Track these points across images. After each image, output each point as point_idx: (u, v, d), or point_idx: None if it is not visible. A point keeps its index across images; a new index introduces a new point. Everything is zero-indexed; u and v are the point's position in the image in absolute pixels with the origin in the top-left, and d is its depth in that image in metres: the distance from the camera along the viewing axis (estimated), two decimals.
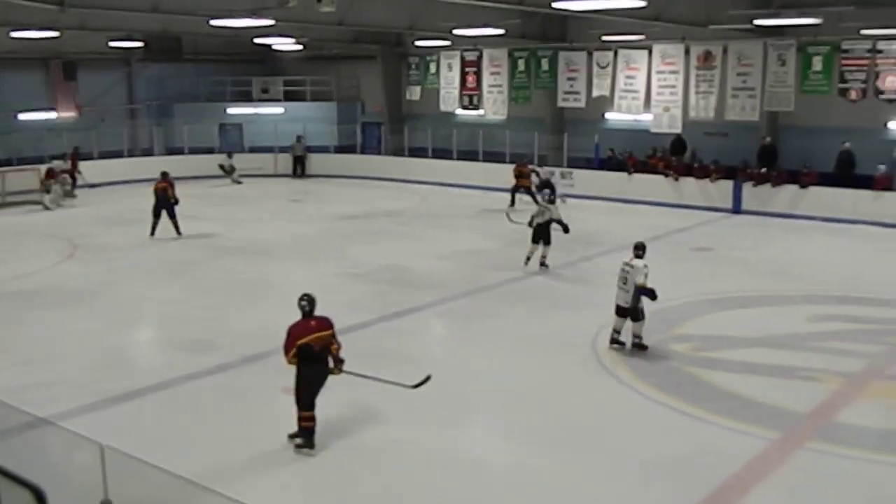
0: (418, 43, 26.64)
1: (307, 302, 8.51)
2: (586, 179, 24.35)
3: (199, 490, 4.62)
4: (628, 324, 11.04)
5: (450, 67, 27.41)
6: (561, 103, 25.38)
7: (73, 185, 24.71)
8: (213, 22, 17.27)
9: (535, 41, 25.06)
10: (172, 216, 18.70)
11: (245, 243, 18.42)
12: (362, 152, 30.18)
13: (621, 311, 10.99)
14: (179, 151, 28.90)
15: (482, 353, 11.29)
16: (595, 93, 24.28)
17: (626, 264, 10.86)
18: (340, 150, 30.04)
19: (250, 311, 13.21)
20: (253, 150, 29.49)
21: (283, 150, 28.73)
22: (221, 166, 27.25)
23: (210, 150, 29.04)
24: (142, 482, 5.17)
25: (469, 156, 27.02)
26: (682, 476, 7.83)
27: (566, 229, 15.79)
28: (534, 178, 22.94)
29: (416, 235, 19.46)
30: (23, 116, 26.91)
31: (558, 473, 7.91)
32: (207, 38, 27.95)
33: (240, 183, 26.97)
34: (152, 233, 18.63)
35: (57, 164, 24.16)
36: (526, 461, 8.23)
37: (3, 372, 10.35)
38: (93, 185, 25.30)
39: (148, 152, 29.28)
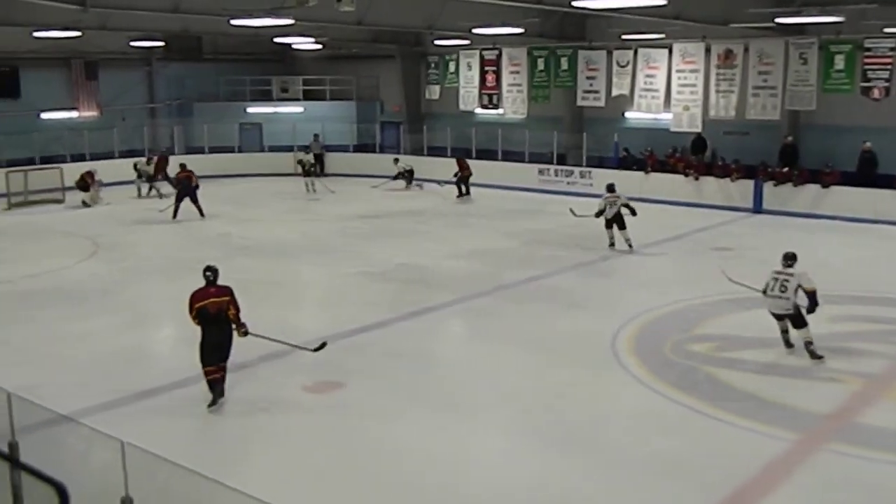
0: (437, 42, 26.65)
1: (211, 273, 9.58)
2: (605, 178, 24.19)
3: (217, 486, 4.63)
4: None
5: (469, 66, 27.39)
6: (580, 102, 25.29)
7: (151, 188, 24.78)
8: (233, 21, 17.32)
9: (554, 40, 25.00)
10: (195, 200, 20.89)
11: (262, 242, 18.49)
12: (381, 151, 30.20)
13: (780, 318, 10.81)
14: (199, 151, 29.04)
15: (499, 353, 11.27)
16: (614, 92, 24.18)
17: (781, 273, 10.67)
18: (359, 149, 30.09)
19: (267, 309, 13.22)
20: (272, 149, 29.59)
21: (301, 148, 28.76)
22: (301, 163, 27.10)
23: (230, 150, 29.19)
24: (161, 479, 5.19)
25: (488, 155, 26.99)
26: (700, 477, 7.78)
27: (634, 212, 16.94)
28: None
29: (435, 235, 19.46)
30: (45, 115, 27.14)
31: (573, 473, 7.88)
32: (227, 38, 28.08)
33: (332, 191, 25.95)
34: (175, 216, 20.71)
35: (139, 163, 24.64)
36: (541, 461, 8.20)
37: (22, 369, 10.42)
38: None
39: (168, 151, 29.45)
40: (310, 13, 16.43)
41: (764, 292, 10.75)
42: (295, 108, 30.77)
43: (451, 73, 28.09)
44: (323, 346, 10.16)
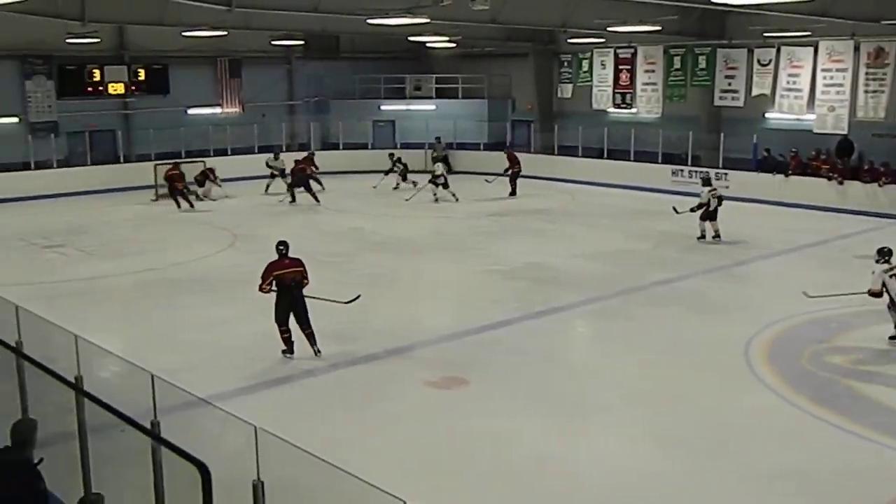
0: (571, 40, 26.40)
1: (284, 247, 10.98)
2: (742, 181, 23.46)
3: (342, 474, 4.73)
4: None
5: (603, 65, 27.04)
6: (718, 102, 24.58)
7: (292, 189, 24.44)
8: (370, 21, 17.66)
9: (692, 38, 24.37)
10: (309, 189, 22.87)
11: (392, 238, 18.78)
12: (511, 150, 30.13)
13: None
14: (334, 147, 29.83)
15: (626, 356, 11.08)
16: (755, 91, 23.39)
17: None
18: (490, 147, 30.15)
19: (395, 304, 13.45)
20: (405, 146, 30.02)
21: (430, 146, 29.04)
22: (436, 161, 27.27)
23: (364, 146, 29.79)
24: (291, 465, 5.34)
25: (620, 155, 26.56)
26: (837, 496, 7.43)
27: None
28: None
29: (563, 234, 19.30)
30: (191, 111, 28.45)
31: (696, 484, 7.66)
32: (364, 37, 28.65)
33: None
34: (293, 200, 22.94)
35: (270, 160, 24.92)
36: (663, 469, 8.01)
37: (164, 353, 10.94)
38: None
39: (305, 147, 30.35)
40: (445, 12, 16.60)
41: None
42: (427, 106, 31.11)
43: (585, 72, 27.80)
44: (357, 298, 11.66)
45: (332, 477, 4.96)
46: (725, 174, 23.94)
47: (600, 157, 26.82)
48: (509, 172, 24.71)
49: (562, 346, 12.01)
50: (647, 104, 26.10)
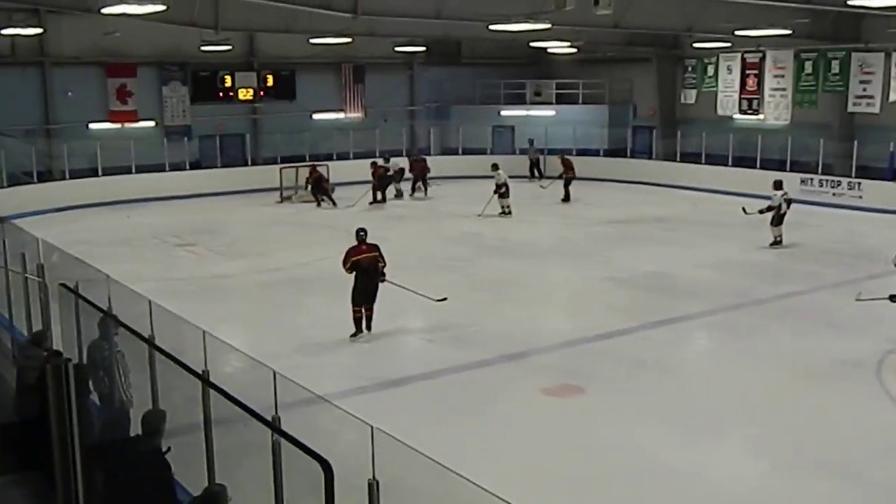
0: (696, 45, 25.80)
1: (363, 233, 12.10)
2: (877, 191, 22.38)
3: (459, 479, 4.74)
4: None
5: (729, 70, 26.35)
6: (851, 108, 23.57)
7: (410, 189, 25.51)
8: (492, 27, 17.71)
9: (824, 41, 23.42)
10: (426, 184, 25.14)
11: (511, 243, 18.76)
12: (632, 156, 29.69)
13: None
14: (454, 152, 30.05)
15: (745, 370, 10.73)
16: (892, 97, 22.30)
17: None
18: (610, 153, 29.77)
19: (512, 309, 13.43)
20: (523, 151, 29.94)
21: (551, 152, 28.80)
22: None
23: (483, 152, 29.89)
24: (405, 466, 5.40)
25: (746, 162, 25.73)
26: None
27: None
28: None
29: (684, 243, 18.85)
30: (316, 116, 29.19)
31: None
32: (485, 43, 28.73)
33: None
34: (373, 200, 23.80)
35: (393, 164, 25.13)
36: (780, 489, 7.71)
37: (286, 350, 11.25)
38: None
39: (425, 152, 30.69)
40: (567, 17, 16.47)
41: None
42: (547, 112, 30.97)
43: (709, 77, 27.15)
44: (444, 299, 12.45)
45: (445, 480, 4.99)
46: (858, 183, 22.92)
47: (724, 164, 26.05)
48: (563, 178, 24.52)
49: (681, 357, 11.73)
50: (776, 110, 25.27)
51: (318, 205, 23.74)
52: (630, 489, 7.63)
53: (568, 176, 24.62)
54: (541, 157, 28.72)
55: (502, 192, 21.79)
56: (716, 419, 9.19)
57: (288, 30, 22.08)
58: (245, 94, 27.94)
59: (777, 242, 17.55)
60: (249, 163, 27.68)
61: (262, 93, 28.21)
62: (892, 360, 10.80)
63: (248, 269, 16.39)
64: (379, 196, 24.11)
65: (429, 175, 25.80)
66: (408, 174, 25.64)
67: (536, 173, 28.47)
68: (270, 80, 28.28)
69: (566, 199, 24.46)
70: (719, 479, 7.84)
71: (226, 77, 27.54)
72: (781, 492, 7.60)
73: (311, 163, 25.64)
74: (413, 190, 25.61)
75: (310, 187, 24.12)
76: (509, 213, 21.80)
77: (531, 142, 29.09)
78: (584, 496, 7.51)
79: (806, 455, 8.30)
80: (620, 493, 7.57)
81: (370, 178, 24.21)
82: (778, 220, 17.53)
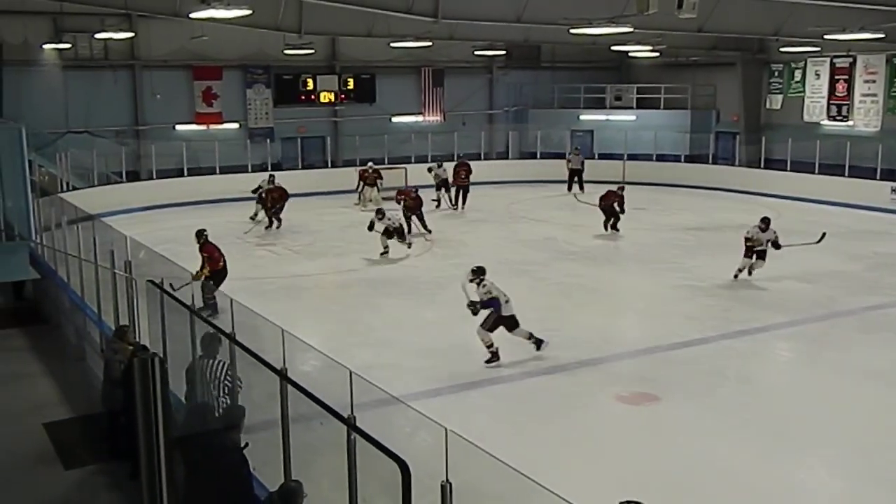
0: (783, 49, 25.20)
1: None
2: None
3: (531, 485, 4.72)
4: None
5: (817, 75, 25.69)
6: None
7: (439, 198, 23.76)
8: (573, 30, 17.61)
9: None
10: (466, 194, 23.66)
11: (586, 248, 18.60)
12: (714, 162, 29.13)
13: None
14: (532, 156, 29.96)
15: (830, 384, 10.44)
16: None
17: None
18: (691, 159, 29.26)
19: (587, 315, 13.32)
20: (602, 156, 29.67)
21: (631, 157, 28.43)
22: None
23: (561, 156, 29.68)
24: (477, 470, 5.40)
25: (833, 170, 25.01)
26: None
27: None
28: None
29: (768, 252, 18.37)
30: (395, 119, 29.46)
31: None
32: (565, 46, 28.60)
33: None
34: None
35: (435, 167, 24.25)
36: None
37: (362, 350, 11.37)
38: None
39: (503, 156, 30.65)
40: (649, 21, 16.25)
41: None
42: (627, 116, 30.62)
43: (796, 82, 26.52)
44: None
45: (518, 484, 4.98)
46: None
47: (811, 171, 25.35)
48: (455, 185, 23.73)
49: (762, 368, 11.45)
50: (866, 116, 24.55)
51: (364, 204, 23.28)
52: (705, 501, 7.48)
53: (459, 183, 23.56)
54: (584, 168, 26.66)
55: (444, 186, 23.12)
56: (796, 434, 8.95)
57: (369, 34, 22.35)
58: (326, 97, 28.38)
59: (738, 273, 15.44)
60: (330, 165, 28.08)
61: (342, 96, 28.61)
62: None
63: (326, 270, 16.64)
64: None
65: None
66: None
67: (577, 185, 26.20)
68: (351, 84, 28.66)
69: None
70: (797, 499, 7.63)
71: (308, 80, 28.01)
72: None
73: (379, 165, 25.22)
74: (454, 202, 23.77)
75: (363, 187, 23.98)
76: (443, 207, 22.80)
77: (577, 150, 27.41)
78: None
79: (886, 472, 8.02)
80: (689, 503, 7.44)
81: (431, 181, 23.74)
82: (751, 254, 15.27)
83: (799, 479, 8.05)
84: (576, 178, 26.46)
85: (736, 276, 15.37)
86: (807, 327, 12.81)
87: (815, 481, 8.07)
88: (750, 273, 15.39)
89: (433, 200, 23.33)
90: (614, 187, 20.64)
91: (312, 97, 28.22)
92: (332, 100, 28.52)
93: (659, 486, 7.75)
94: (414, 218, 19.55)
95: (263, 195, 21.01)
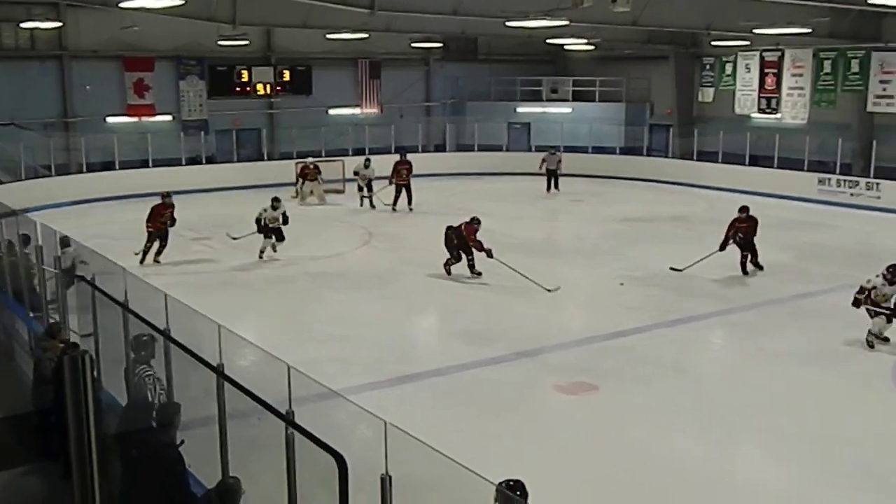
0: (715, 43, 25.69)
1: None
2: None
3: (471, 475, 4.73)
4: None
5: (747, 68, 26.25)
6: (871, 108, 23.45)
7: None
8: (509, 23, 17.68)
9: (844, 40, 23.26)
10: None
11: (525, 241, 18.71)
12: (649, 155, 29.60)
13: None
14: (469, 149, 30.03)
15: (763, 371, 10.68)
16: None
17: None
18: (626, 151, 29.67)
19: (526, 307, 13.42)
20: (539, 148, 29.88)
21: (567, 149, 28.65)
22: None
23: (498, 148, 29.88)
24: (417, 462, 5.39)
25: (763, 161, 25.60)
26: None
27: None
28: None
29: (701, 242, 18.68)
30: (332, 112, 29.25)
31: (836, 500, 7.30)
32: (501, 39, 28.73)
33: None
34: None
35: (360, 168, 23.18)
36: (804, 490, 7.68)
37: (304, 344, 11.29)
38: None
39: (440, 148, 30.68)
40: (585, 14, 16.42)
41: None
42: (563, 109, 30.89)
43: (727, 76, 27.05)
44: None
45: (458, 476, 4.99)
46: (877, 184, 22.76)
47: (742, 163, 25.92)
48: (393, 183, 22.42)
49: (697, 356, 11.68)
50: (794, 109, 25.17)
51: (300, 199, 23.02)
52: (644, 488, 7.60)
53: (400, 182, 22.32)
54: (560, 168, 25.93)
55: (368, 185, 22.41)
56: (731, 419, 9.14)
57: (305, 25, 22.14)
58: (262, 89, 28.00)
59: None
60: (266, 157, 27.76)
61: (278, 88, 28.25)
62: None
63: (264, 264, 16.43)
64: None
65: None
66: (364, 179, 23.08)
67: (553, 185, 25.66)
68: (287, 76, 28.32)
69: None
70: (736, 480, 7.82)
71: (243, 72, 27.60)
72: (812, 497, 7.58)
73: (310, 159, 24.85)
74: (395, 202, 22.32)
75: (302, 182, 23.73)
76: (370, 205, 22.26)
77: (553, 151, 26.45)
78: (597, 493, 7.49)
79: (834, 459, 8.25)
80: (633, 491, 7.54)
81: (390, 175, 22.68)
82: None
83: (738, 465, 8.23)
84: (552, 179, 25.70)
85: (871, 345, 11.29)
86: (739, 315, 13.09)
87: (754, 467, 8.25)
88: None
89: (364, 197, 22.86)
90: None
91: (248, 89, 27.80)
92: (268, 92, 28.16)
93: (598, 473, 7.85)
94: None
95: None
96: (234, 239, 17.07)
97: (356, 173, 23.30)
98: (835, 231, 18.74)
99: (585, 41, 24.87)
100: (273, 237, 16.37)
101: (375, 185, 22.80)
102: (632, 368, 10.73)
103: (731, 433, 8.83)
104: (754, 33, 20.75)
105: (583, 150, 28.87)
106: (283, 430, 4.95)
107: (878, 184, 22.75)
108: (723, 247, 15.18)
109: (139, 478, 5.77)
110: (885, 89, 22.84)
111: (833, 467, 8.04)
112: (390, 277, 15.30)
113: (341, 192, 25.02)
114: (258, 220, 16.24)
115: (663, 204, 23.84)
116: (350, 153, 27.43)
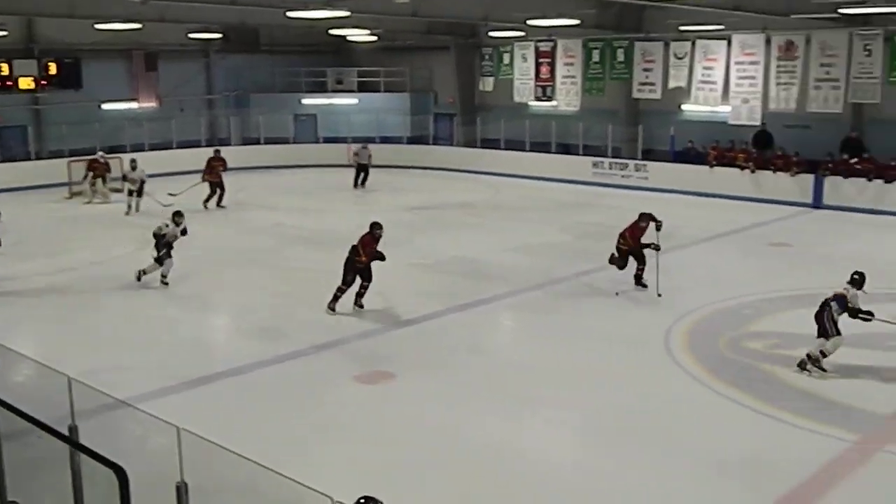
0: (492, 34, 26.55)
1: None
2: (662, 172, 23.96)
3: (271, 474, 4.67)
4: None
5: (524, 58, 27.29)
6: (636, 94, 25.07)
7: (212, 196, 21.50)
8: (290, 13, 17.45)
9: (610, 31, 24.76)
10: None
11: (315, 233, 18.62)
12: (434, 143, 30.21)
13: None
14: (255, 142, 29.44)
15: (551, 348, 11.21)
16: (671, 84, 23.92)
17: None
18: (413, 141, 30.14)
19: (320, 299, 13.33)
20: (326, 140, 29.78)
21: (355, 140, 28.70)
22: None
23: (285, 141, 29.47)
24: (216, 466, 5.25)
25: (542, 148, 26.83)
26: (755, 477, 7.65)
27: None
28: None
29: (488, 227, 19.40)
30: (106, 106, 27.68)
31: (626, 471, 7.81)
32: (284, 30, 28.31)
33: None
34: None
35: (128, 172, 21.43)
36: (593, 458, 8.18)
37: (82, 354, 10.64)
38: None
39: (224, 142, 29.84)
40: (365, 4, 16.52)
41: None
42: (349, 100, 30.93)
43: (506, 65, 28.02)
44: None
45: (259, 477, 4.91)
46: (644, 165, 24.43)
47: (523, 149, 27.03)
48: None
49: (488, 338, 12.07)
50: (567, 97, 26.47)
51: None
52: (447, 470, 7.78)
53: (213, 179, 21.43)
54: (371, 162, 25.21)
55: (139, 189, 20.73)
56: (525, 395, 9.51)
57: (70, 14, 20.79)
58: (25, 83, 25.96)
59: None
60: (33, 156, 25.89)
61: (44, 82, 26.24)
62: (677, 331, 11.62)
63: (37, 271, 15.30)
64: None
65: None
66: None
67: (362, 182, 25.06)
68: (53, 69, 26.35)
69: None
70: (537, 455, 8.13)
71: (2, 65, 25.48)
72: (601, 464, 8.05)
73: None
74: (207, 201, 21.34)
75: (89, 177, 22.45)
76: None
77: (365, 146, 25.51)
78: (399, 482, 7.58)
79: (618, 426, 8.78)
80: (440, 473, 7.70)
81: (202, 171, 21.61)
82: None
83: (531, 439, 8.56)
84: (361, 174, 25.04)
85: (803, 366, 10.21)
86: (526, 296, 13.65)
87: (546, 439, 8.63)
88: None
89: (131, 205, 20.99)
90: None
91: (9, 83, 25.68)
92: (33, 86, 26.19)
93: (399, 460, 7.95)
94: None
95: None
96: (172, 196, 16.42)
97: (124, 178, 21.70)
98: (610, 211, 19.92)
99: (368, 32, 24.99)
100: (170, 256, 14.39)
101: (149, 186, 21.15)
102: (427, 354, 10.95)
103: (526, 409, 9.19)
104: (528, 24, 21.65)
105: (370, 140, 28.98)
106: (66, 447, 4.67)
107: (645, 165, 24.44)
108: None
109: None
110: (647, 77, 24.47)
111: (617, 431, 8.59)
112: (177, 277, 14.72)
113: (120, 190, 23.78)
114: (160, 236, 14.45)
115: (450, 191, 24.44)
116: (128, 149, 26.10)
